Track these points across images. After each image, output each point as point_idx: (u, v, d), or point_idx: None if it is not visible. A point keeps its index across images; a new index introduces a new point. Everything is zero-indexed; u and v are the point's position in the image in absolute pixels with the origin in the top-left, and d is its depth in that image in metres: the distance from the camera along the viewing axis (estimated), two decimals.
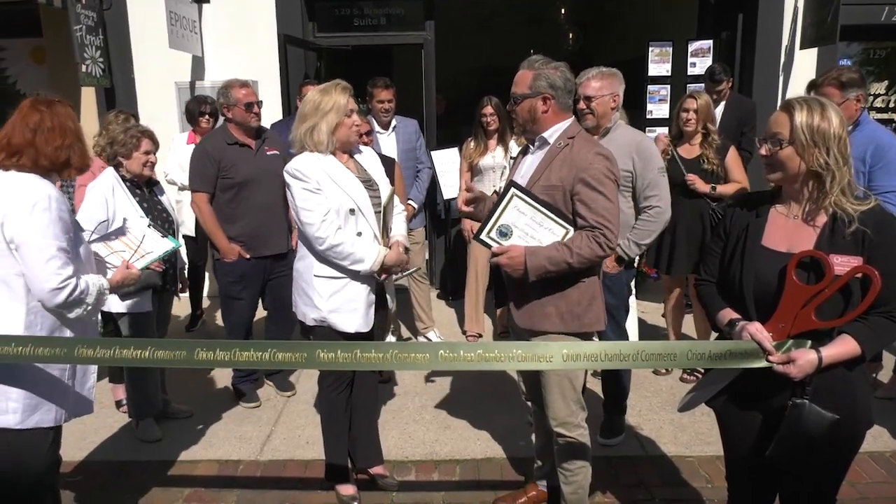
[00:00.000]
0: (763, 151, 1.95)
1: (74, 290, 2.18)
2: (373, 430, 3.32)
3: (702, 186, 4.14)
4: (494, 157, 4.96)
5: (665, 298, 4.68)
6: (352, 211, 2.86)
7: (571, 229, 2.47)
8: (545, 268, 2.44)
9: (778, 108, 1.97)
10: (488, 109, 4.92)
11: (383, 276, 2.99)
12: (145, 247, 2.80)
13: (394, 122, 4.93)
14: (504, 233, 2.49)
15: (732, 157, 4.21)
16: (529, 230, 2.47)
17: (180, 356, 2.26)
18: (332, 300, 2.92)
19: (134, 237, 2.82)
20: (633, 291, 4.41)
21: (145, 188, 3.65)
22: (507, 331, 5.24)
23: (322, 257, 2.89)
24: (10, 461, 2.21)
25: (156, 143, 3.63)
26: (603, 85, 3.28)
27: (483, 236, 2.52)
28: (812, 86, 3.66)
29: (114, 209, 3.40)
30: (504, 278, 2.68)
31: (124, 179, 3.54)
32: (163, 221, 3.63)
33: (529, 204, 2.46)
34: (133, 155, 3.52)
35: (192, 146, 5.14)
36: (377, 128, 4.83)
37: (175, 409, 4.05)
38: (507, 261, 2.48)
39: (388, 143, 4.89)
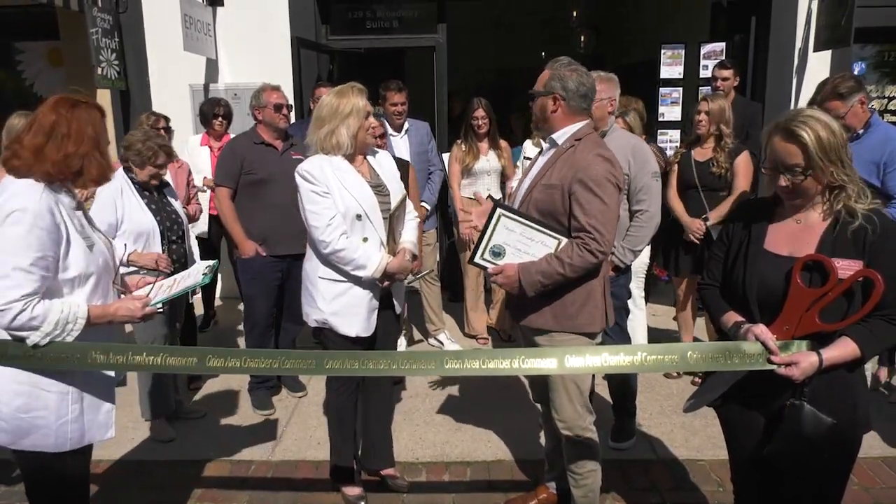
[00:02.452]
0: (783, 182, 1.91)
1: (20, 314, 1.95)
2: (386, 433, 3.34)
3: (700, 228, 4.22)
4: (489, 160, 4.96)
5: (676, 300, 4.67)
6: (359, 216, 2.88)
7: (564, 239, 2.47)
8: (540, 282, 2.46)
9: (778, 134, 1.91)
10: (480, 112, 4.89)
11: (385, 283, 3.00)
12: (177, 283, 2.54)
13: (406, 125, 4.95)
14: (497, 252, 2.52)
15: (743, 162, 4.17)
16: (522, 246, 2.49)
17: (192, 363, 2.30)
18: (335, 303, 2.94)
19: (179, 278, 2.59)
20: (643, 294, 4.43)
21: (155, 190, 3.68)
22: (510, 338, 5.25)
23: (326, 260, 2.91)
24: (37, 480, 2.21)
25: (171, 157, 3.67)
26: (601, 89, 3.28)
27: (477, 259, 2.55)
28: (812, 103, 3.65)
29: (122, 211, 3.44)
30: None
31: (134, 182, 3.57)
32: (171, 223, 3.67)
33: (517, 221, 2.47)
34: (146, 167, 3.56)
35: (206, 148, 5.22)
36: (390, 130, 4.85)
37: (188, 409, 4.09)
38: (503, 280, 2.53)
39: (401, 145, 4.91)
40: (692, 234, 4.22)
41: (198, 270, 2.57)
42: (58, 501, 2.24)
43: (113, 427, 2.30)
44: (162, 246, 3.55)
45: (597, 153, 2.48)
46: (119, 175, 3.54)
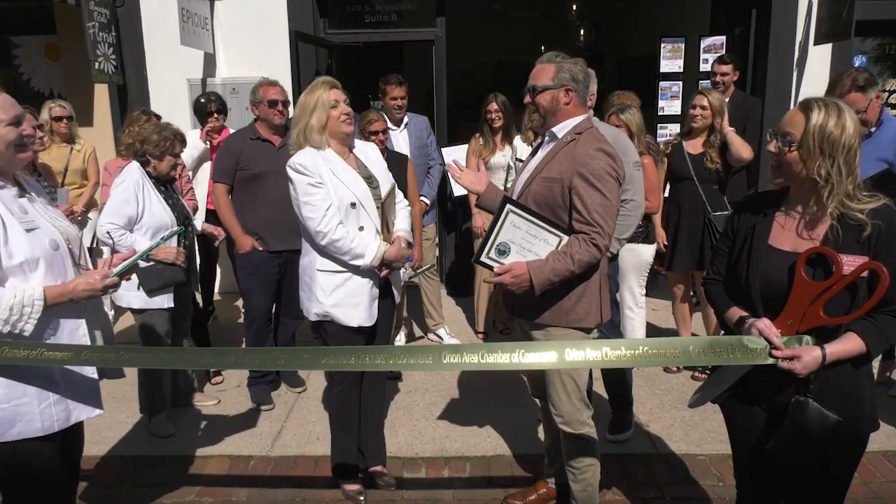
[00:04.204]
0: (771, 147, 1.93)
1: None
2: (379, 430, 3.33)
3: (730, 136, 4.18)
4: (504, 155, 4.96)
5: (672, 295, 4.67)
6: (353, 205, 2.88)
7: (565, 237, 2.46)
8: (550, 280, 2.44)
9: (799, 105, 1.93)
10: (493, 106, 4.91)
11: (384, 272, 2.99)
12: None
13: (406, 119, 4.94)
14: (503, 251, 2.48)
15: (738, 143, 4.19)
16: (526, 244, 2.47)
17: (187, 360, 2.31)
18: (335, 294, 2.93)
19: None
20: (644, 292, 4.43)
21: (166, 185, 3.73)
22: (507, 329, 5.24)
23: (324, 252, 2.91)
24: (11, 469, 2.16)
25: (184, 145, 3.69)
26: None
27: (483, 258, 2.51)
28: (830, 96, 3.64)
29: (142, 206, 3.49)
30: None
31: (149, 175, 3.61)
32: (183, 218, 3.73)
33: (524, 217, 2.45)
34: (165, 157, 3.60)
35: (206, 142, 5.19)
36: (389, 125, 4.84)
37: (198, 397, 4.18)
38: (511, 279, 2.46)
39: (400, 139, 4.90)
40: (659, 242, 4.34)
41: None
42: (38, 494, 2.21)
43: (100, 406, 2.30)
44: (177, 240, 3.58)
45: (598, 147, 2.48)
46: (136, 169, 3.58)
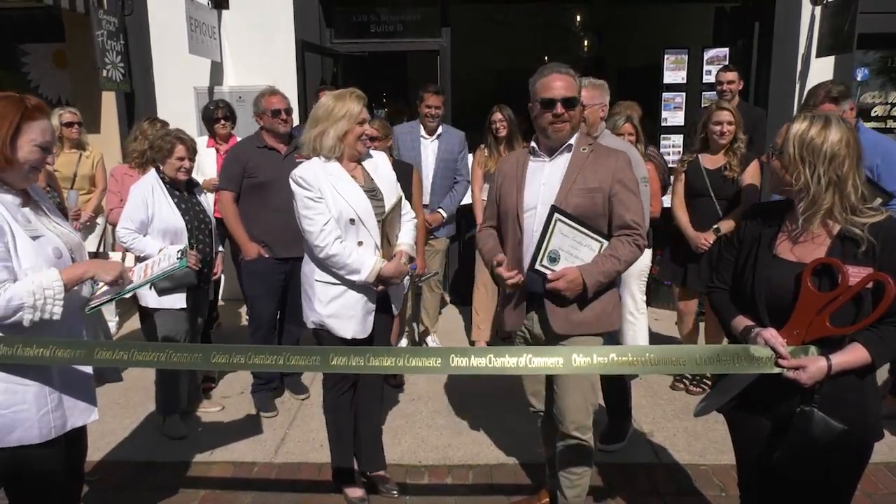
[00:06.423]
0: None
1: None
2: (377, 435, 3.33)
3: (707, 241, 4.11)
4: None
5: (679, 312, 4.62)
6: (352, 221, 2.89)
7: (605, 242, 2.57)
8: (600, 282, 2.54)
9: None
10: (498, 116, 4.95)
11: (380, 287, 2.99)
12: (149, 267, 2.58)
13: (440, 130, 4.99)
14: (553, 258, 2.54)
15: (751, 171, 4.02)
16: (573, 251, 2.54)
17: (197, 359, 2.31)
18: (331, 305, 2.96)
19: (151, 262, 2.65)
20: (645, 298, 4.42)
21: (184, 190, 3.79)
22: (509, 336, 5.23)
23: (322, 263, 2.93)
24: (13, 473, 2.17)
25: (191, 150, 3.72)
26: (594, 95, 3.39)
27: (538, 266, 2.54)
28: (805, 108, 3.66)
29: (152, 210, 3.60)
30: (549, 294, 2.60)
31: (164, 181, 3.68)
32: (199, 222, 3.78)
33: (570, 225, 2.52)
34: (167, 161, 3.66)
35: (213, 150, 5.23)
36: (422, 132, 4.90)
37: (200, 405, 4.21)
38: (566, 285, 2.50)
39: (430, 150, 4.94)
40: (697, 247, 4.13)
41: (170, 255, 2.62)
42: (40, 496, 2.22)
43: (96, 411, 2.32)
44: (189, 243, 3.64)
45: (622, 157, 2.65)
46: (151, 175, 3.71)
